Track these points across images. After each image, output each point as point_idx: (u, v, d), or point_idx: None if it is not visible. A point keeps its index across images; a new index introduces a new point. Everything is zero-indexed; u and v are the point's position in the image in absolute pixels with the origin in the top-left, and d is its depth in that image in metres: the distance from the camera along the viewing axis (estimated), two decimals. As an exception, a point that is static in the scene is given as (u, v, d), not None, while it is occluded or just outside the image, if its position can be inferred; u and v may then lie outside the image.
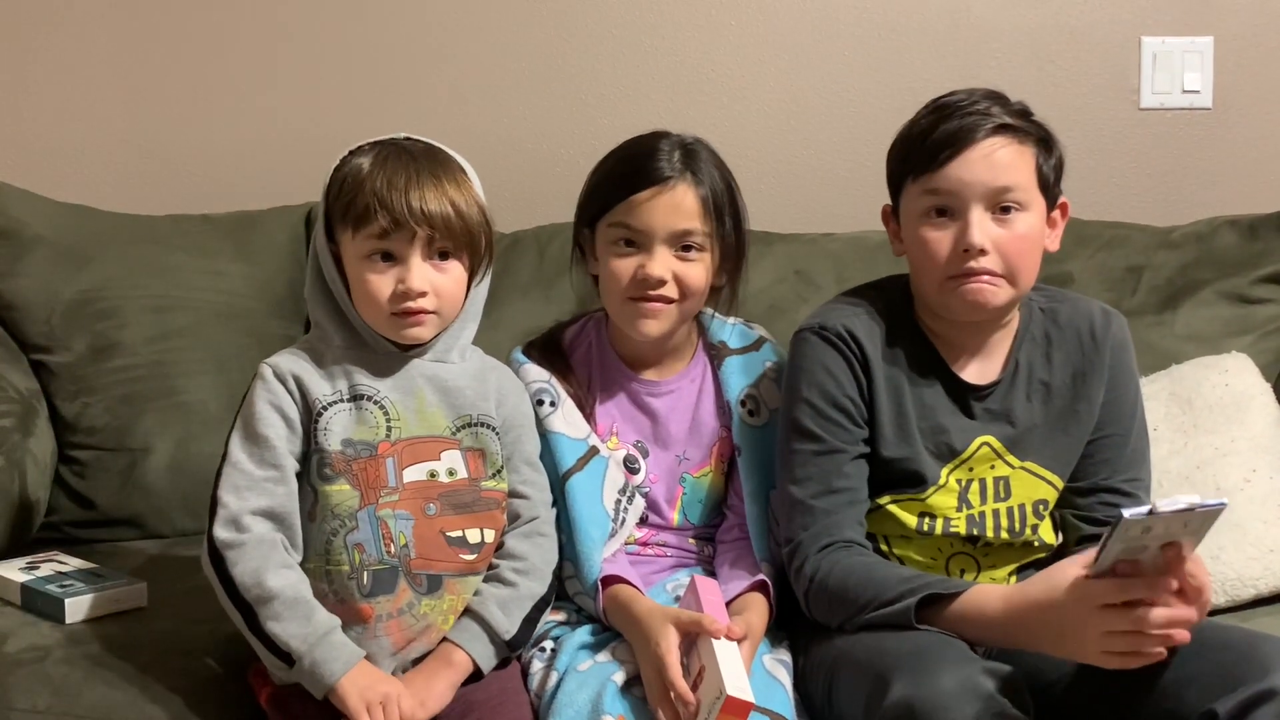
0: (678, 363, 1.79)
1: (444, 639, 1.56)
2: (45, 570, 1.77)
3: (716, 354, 1.80)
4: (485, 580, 1.59)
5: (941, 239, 1.59)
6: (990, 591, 1.48)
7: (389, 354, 1.58)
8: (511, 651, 1.58)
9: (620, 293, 1.68)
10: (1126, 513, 1.27)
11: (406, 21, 2.39)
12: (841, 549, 1.59)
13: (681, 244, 1.67)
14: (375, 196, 1.50)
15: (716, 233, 1.69)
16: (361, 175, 1.52)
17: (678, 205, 1.66)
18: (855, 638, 1.52)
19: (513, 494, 1.63)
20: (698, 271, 1.68)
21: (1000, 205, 1.58)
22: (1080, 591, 1.36)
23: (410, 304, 1.52)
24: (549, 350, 1.78)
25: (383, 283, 1.52)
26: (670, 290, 1.67)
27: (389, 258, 1.53)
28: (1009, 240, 1.58)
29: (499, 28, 2.40)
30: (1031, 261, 1.61)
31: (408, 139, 1.58)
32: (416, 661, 1.55)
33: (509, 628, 1.56)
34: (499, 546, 1.61)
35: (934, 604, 1.48)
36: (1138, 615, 1.33)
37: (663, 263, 1.66)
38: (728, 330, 1.82)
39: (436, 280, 1.54)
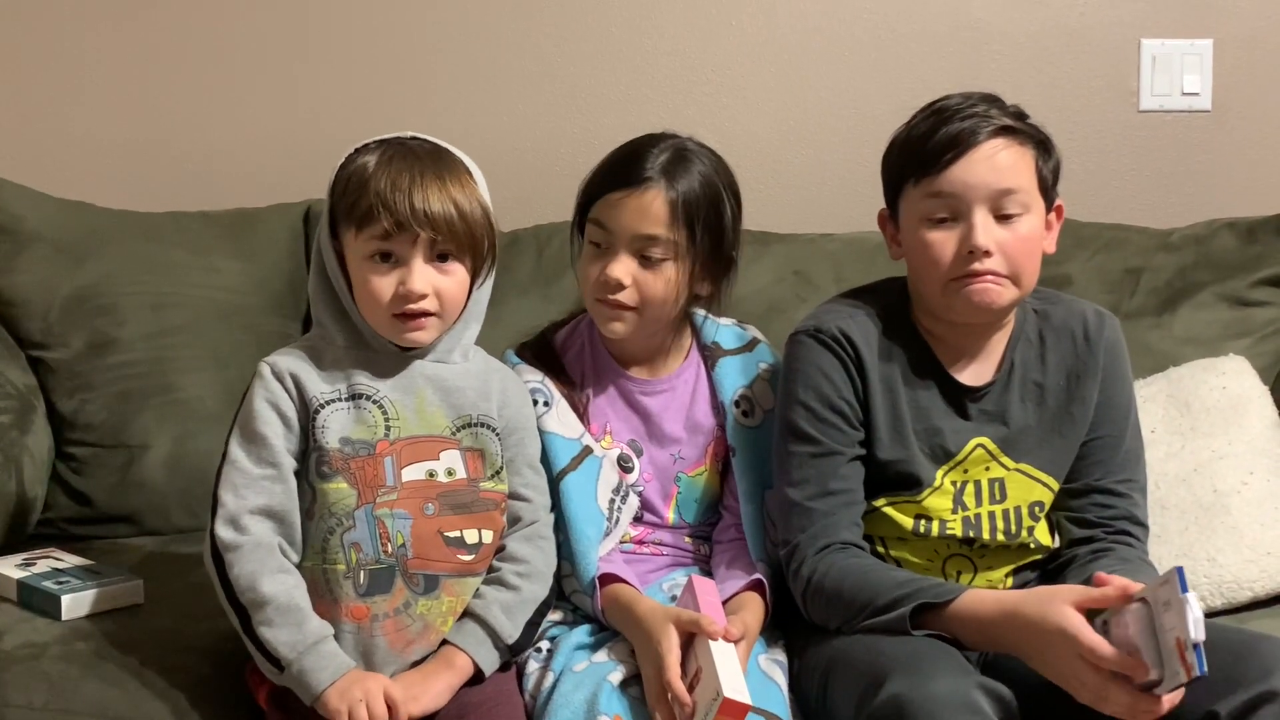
0: (671, 362, 1.79)
1: (445, 641, 1.55)
2: (42, 567, 1.77)
3: (710, 355, 1.80)
4: (487, 583, 1.58)
5: (945, 241, 1.59)
6: (985, 597, 1.48)
7: (390, 354, 1.58)
8: (513, 656, 1.58)
9: (588, 292, 1.69)
10: (1185, 574, 1.31)
11: (406, 20, 2.39)
12: (838, 551, 1.59)
13: (645, 250, 1.65)
14: (378, 197, 1.49)
15: (686, 243, 1.66)
16: (366, 175, 1.52)
17: (645, 209, 1.64)
18: (852, 640, 1.52)
19: (514, 496, 1.63)
20: (658, 282, 1.66)
21: (1002, 207, 1.58)
22: (1067, 632, 1.37)
23: (411, 306, 1.52)
24: (541, 351, 1.78)
25: (384, 284, 1.52)
26: (629, 296, 1.65)
27: (391, 259, 1.52)
28: (1012, 242, 1.58)
29: (499, 26, 2.39)
30: (1034, 263, 1.61)
31: (414, 138, 1.57)
32: (416, 664, 1.55)
33: (512, 632, 1.56)
34: (500, 549, 1.61)
35: (929, 608, 1.49)
36: (1104, 684, 1.35)
37: (624, 267, 1.65)
38: (721, 331, 1.82)
39: (438, 282, 1.53)
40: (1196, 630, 1.29)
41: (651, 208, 1.64)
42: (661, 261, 1.65)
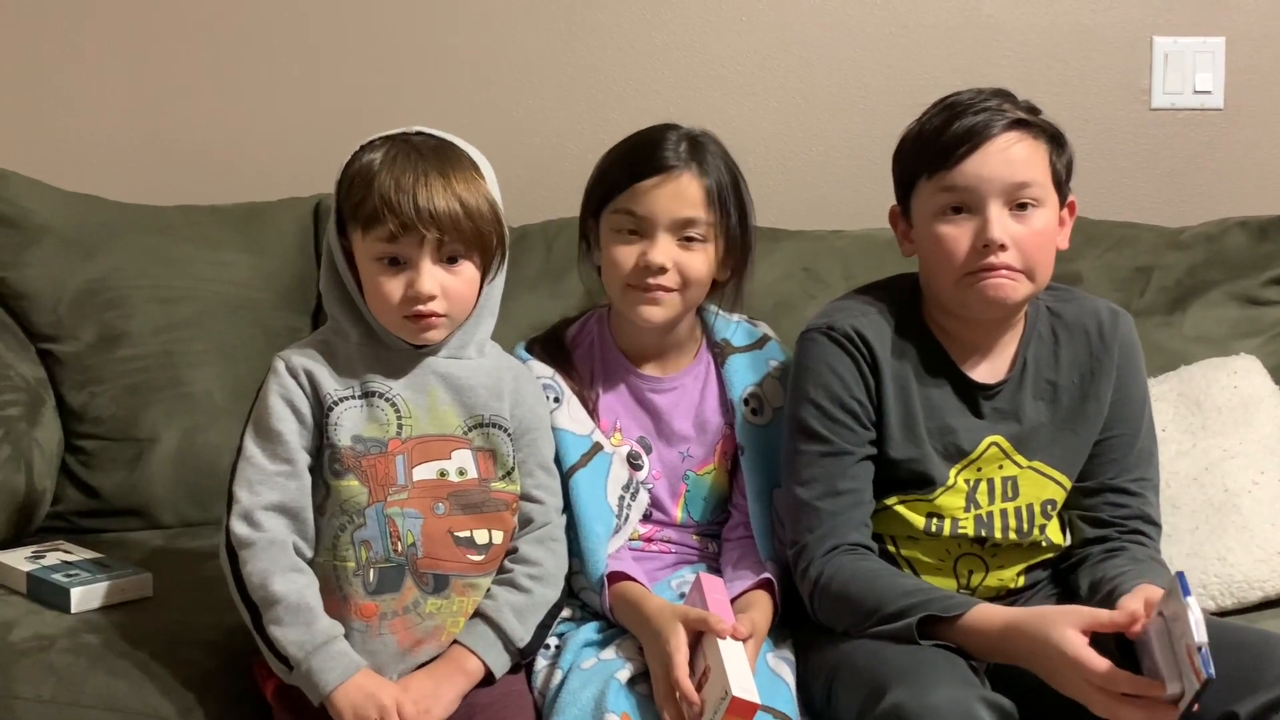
0: (681, 359, 1.79)
1: (455, 641, 1.55)
2: (51, 559, 1.77)
3: (720, 352, 1.80)
4: (498, 584, 1.58)
5: (959, 236, 1.58)
6: (991, 614, 1.48)
7: (403, 351, 1.58)
8: (523, 658, 1.57)
9: (622, 279, 1.68)
10: (1187, 578, 1.31)
11: (415, 14, 2.39)
12: (846, 552, 1.59)
13: (684, 233, 1.67)
14: (383, 199, 1.48)
15: (720, 224, 1.69)
16: (370, 175, 1.51)
17: (682, 193, 1.66)
18: (857, 644, 1.52)
19: (525, 498, 1.62)
20: (699, 261, 1.68)
21: (1017, 201, 1.58)
22: (1068, 656, 1.37)
23: (421, 307, 1.51)
24: (552, 346, 1.77)
25: (393, 286, 1.51)
26: (671, 279, 1.67)
27: (398, 262, 1.51)
28: (1027, 236, 1.58)
29: (508, 21, 2.39)
30: (1048, 257, 1.61)
31: (419, 134, 1.56)
32: (423, 665, 1.54)
33: (523, 635, 1.55)
34: (511, 551, 1.60)
35: (936, 619, 1.48)
36: (1115, 706, 1.34)
37: (665, 250, 1.66)
38: (731, 328, 1.82)
39: (447, 282, 1.52)
40: (1198, 632, 1.27)
41: (688, 191, 1.66)
42: (701, 242, 1.68)
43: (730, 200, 1.69)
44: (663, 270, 1.66)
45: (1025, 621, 1.43)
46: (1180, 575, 1.32)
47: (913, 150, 1.64)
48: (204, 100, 2.39)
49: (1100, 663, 1.35)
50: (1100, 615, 1.39)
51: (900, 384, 1.64)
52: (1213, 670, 1.26)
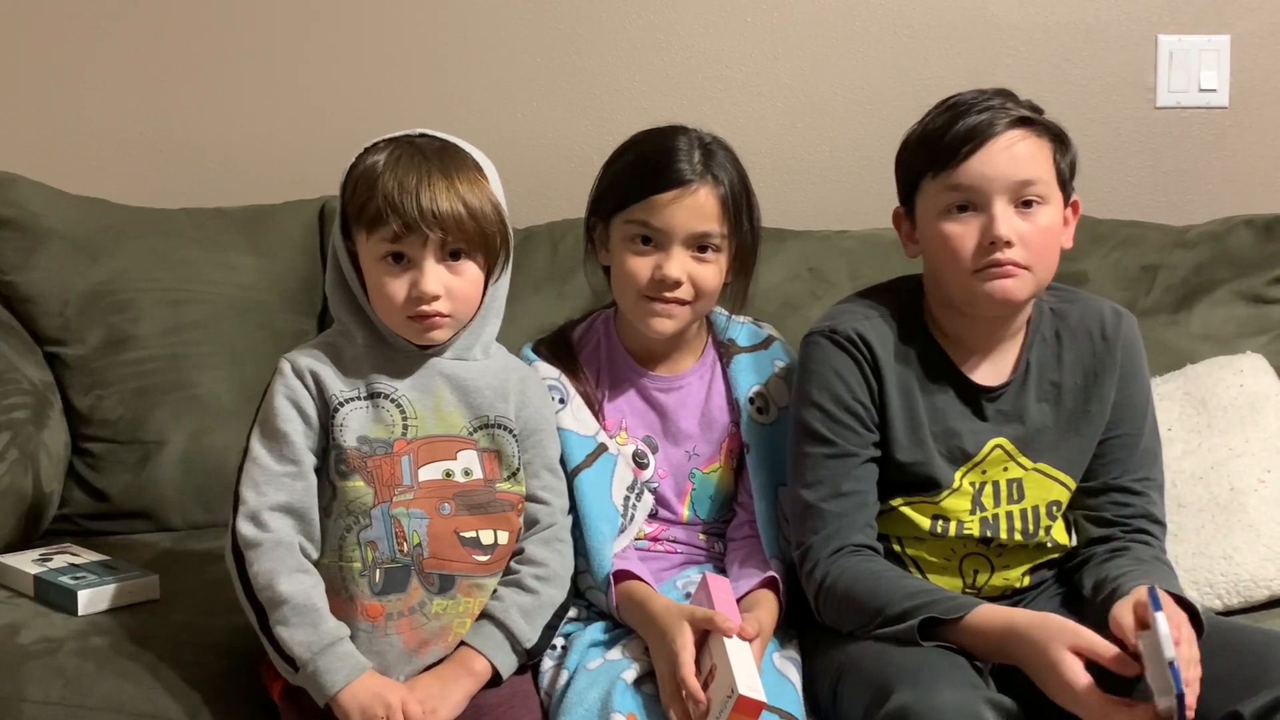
0: (687, 359, 1.79)
1: (462, 643, 1.55)
2: (58, 562, 1.78)
3: (725, 351, 1.80)
4: (505, 585, 1.58)
5: (965, 234, 1.58)
6: (992, 616, 1.48)
7: (409, 352, 1.58)
8: (530, 660, 1.58)
9: (636, 291, 1.68)
10: (1158, 592, 1.33)
11: (421, 17, 2.39)
12: (851, 554, 1.59)
13: (698, 245, 1.67)
14: (386, 200, 1.49)
15: (733, 233, 1.69)
16: (374, 176, 1.51)
17: (699, 208, 1.66)
18: (863, 646, 1.52)
19: (532, 499, 1.62)
20: (712, 272, 1.68)
21: (1022, 198, 1.58)
22: (1063, 678, 1.38)
23: (424, 307, 1.52)
24: (558, 348, 1.78)
25: (397, 286, 1.52)
26: (685, 292, 1.67)
27: (403, 260, 1.52)
28: (1033, 233, 1.58)
29: (513, 23, 2.39)
30: (1053, 256, 1.61)
31: (423, 135, 1.57)
32: (430, 666, 1.54)
33: (531, 636, 1.56)
34: (518, 552, 1.61)
35: (939, 621, 1.49)
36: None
37: (680, 264, 1.66)
38: (737, 329, 1.82)
39: (450, 282, 1.53)
40: (1167, 648, 1.29)
41: (705, 206, 1.66)
42: (715, 253, 1.68)
43: (743, 209, 1.70)
44: (678, 284, 1.66)
45: (1026, 628, 1.44)
46: (1151, 590, 1.34)
47: (916, 150, 1.64)
48: (210, 103, 2.40)
49: (1091, 689, 1.37)
50: (1098, 645, 1.39)
51: (903, 387, 1.64)
52: (1182, 687, 1.28)
